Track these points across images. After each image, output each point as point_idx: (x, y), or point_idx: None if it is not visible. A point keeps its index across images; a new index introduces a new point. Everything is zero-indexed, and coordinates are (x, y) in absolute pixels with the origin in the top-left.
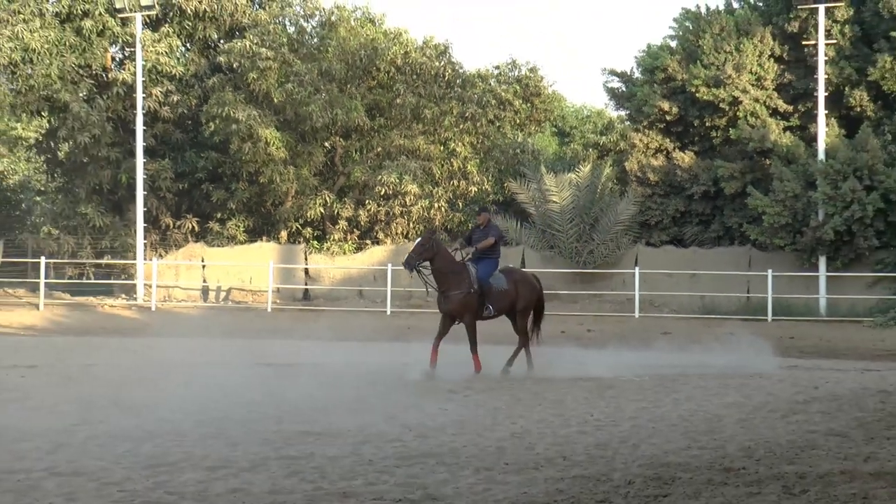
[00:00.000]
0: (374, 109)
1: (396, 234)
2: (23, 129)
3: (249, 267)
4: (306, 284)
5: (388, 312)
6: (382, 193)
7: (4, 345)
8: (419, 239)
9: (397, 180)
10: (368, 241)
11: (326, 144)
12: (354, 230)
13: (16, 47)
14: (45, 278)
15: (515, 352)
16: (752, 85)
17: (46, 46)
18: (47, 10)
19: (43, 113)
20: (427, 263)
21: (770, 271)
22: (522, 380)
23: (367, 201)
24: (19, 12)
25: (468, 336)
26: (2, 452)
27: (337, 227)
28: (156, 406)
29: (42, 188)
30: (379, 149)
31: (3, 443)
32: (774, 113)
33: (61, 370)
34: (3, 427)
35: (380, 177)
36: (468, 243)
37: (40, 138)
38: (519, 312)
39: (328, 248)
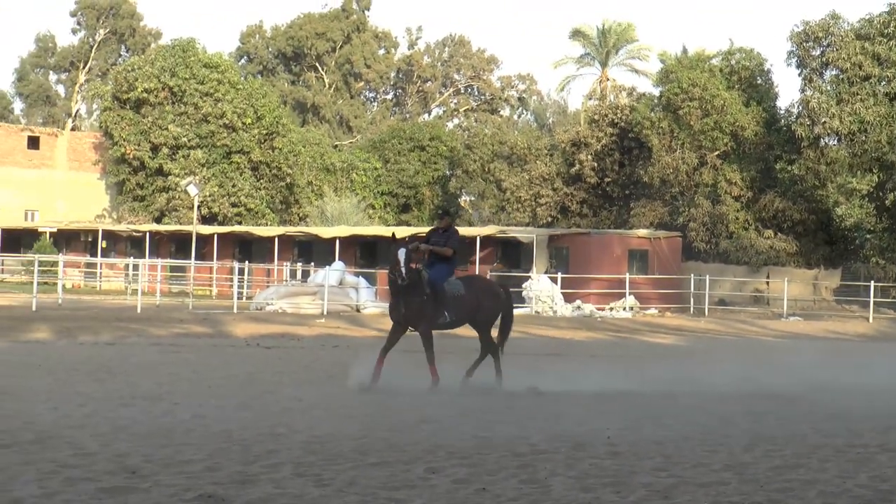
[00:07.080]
0: None
1: None
2: (856, 182)
3: None
4: None
5: None
6: None
7: (834, 348)
8: (401, 251)
9: None
10: None
11: None
12: None
13: (853, 121)
14: (874, 298)
15: (476, 360)
16: None
17: (878, 119)
18: (879, 90)
19: (873, 170)
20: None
21: None
22: None
23: None
24: (857, 94)
25: (425, 347)
26: (842, 430)
27: None
28: None
29: (871, 228)
30: None
31: (844, 422)
32: None
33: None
34: (845, 408)
35: None
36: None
37: (871, 190)
38: (480, 325)
39: None
